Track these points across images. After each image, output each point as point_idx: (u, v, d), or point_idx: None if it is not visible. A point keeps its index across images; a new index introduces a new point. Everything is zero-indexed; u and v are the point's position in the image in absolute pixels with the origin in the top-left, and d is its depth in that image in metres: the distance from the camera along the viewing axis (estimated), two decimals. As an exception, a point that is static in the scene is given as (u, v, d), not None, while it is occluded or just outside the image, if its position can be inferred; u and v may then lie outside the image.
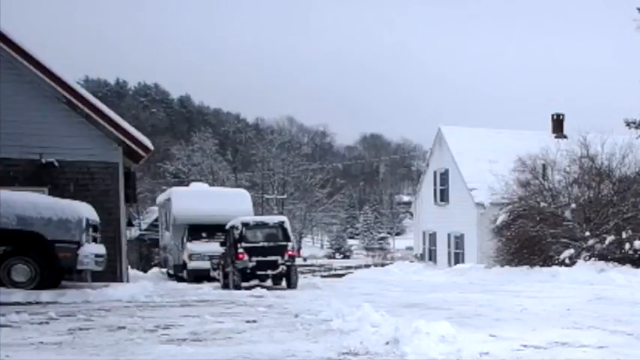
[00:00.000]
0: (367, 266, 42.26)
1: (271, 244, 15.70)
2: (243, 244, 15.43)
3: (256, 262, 15.32)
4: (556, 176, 21.92)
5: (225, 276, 16.29)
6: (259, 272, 15.52)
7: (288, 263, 15.68)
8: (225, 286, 15.98)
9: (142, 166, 22.29)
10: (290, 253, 15.82)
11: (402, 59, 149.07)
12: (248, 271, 15.38)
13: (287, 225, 16.25)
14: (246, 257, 15.27)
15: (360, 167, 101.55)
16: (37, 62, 13.34)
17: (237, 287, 14.98)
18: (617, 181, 20.94)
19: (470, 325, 7.31)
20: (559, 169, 22.09)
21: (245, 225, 15.83)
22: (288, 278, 15.77)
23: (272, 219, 17.26)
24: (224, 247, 16.80)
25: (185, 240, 21.57)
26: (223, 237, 17.02)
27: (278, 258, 15.53)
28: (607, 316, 8.37)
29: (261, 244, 15.66)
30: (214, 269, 18.32)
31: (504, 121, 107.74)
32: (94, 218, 11.29)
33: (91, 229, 10.98)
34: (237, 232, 15.66)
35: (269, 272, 15.59)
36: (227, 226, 16.65)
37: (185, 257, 21.20)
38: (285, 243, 15.81)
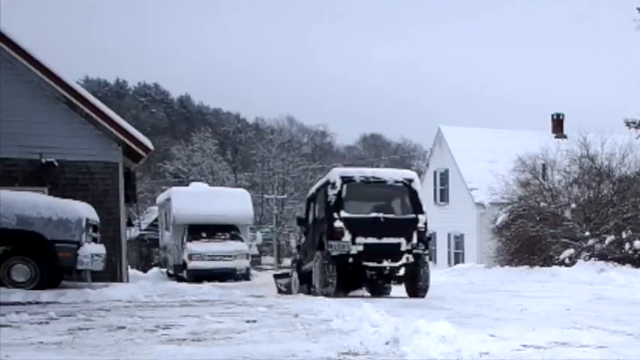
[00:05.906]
0: (367, 266, 42.08)
1: (391, 216, 10.27)
2: (343, 214, 9.73)
3: (364, 246, 9.77)
4: (556, 176, 21.94)
5: (305, 277, 10.84)
6: (369, 265, 9.88)
7: (417, 251, 10.09)
8: (309, 292, 10.58)
9: (142, 166, 22.27)
10: (420, 232, 10.07)
11: (402, 59, 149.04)
12: (350, 260, 9.75)
13: (417, 186, 10.48)
14: (347, 236, 9.67)
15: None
16: (37, 62, 13.34)
17: (334, 292, 9.71)
18: (617, 181, 20.94)
19: (470, 325, 7.30)
20: (559, 169, 22.11)
21: (348, 181, 9.91)
22: (414, 278, 10.24)
23: (392, 174, 10.87)
24: (302, 228, 11.29)
25: (185, 240, 21.63)
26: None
27: (402, 241, 9.94)
28: (607, 316, 8.36)
29: (373, 214, 10.14)
30: (278, 277, 13.69)
31: (504, 121, 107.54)
32: (94, 218, 11.30)
33: (90, 229, 10.99)
34: (333, 194, 9.72)
35: (385, 265, 9.99)
36: (316, 186, 11.01)
37: (185, 257, 21.26)
38: (413, 215, 10.19)
